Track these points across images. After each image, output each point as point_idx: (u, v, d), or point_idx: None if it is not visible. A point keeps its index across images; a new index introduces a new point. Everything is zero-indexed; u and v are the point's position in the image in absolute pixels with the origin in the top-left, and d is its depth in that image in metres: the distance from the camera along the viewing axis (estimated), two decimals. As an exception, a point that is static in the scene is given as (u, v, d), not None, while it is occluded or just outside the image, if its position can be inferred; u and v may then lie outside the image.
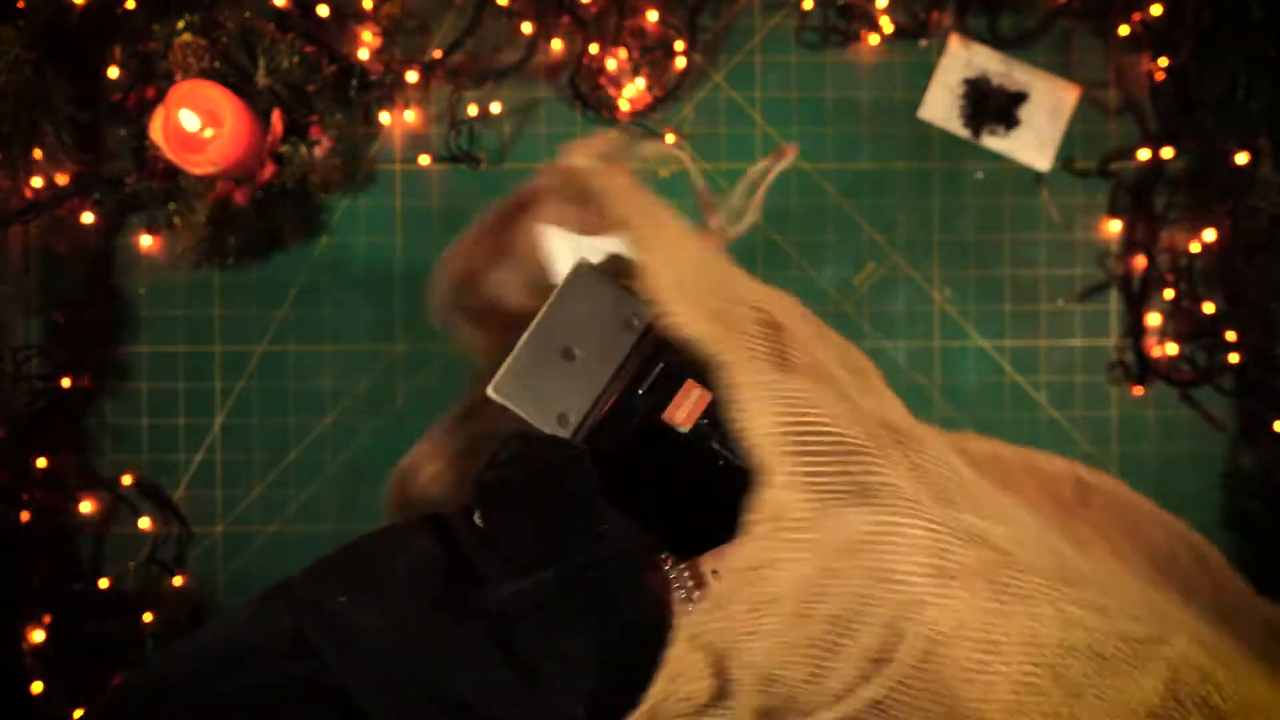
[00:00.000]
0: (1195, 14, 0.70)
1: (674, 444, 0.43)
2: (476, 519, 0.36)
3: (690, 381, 0.43)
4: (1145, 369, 0.74)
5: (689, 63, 0.73)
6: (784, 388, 0.37)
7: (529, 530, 0.34)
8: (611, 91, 0.73)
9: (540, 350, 0.44)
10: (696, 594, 0.35)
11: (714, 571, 0.36)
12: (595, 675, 0.32)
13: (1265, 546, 0.72)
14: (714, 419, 0.43)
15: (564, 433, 0.44)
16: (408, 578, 0.34)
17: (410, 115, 0.73)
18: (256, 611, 0.35)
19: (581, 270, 0.45)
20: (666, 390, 0.43)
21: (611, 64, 0.72)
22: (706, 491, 0.42)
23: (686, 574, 0.36)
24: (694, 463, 0.43)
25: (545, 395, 0.44)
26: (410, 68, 0.71)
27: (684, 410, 0.43)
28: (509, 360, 0.44)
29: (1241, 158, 0.71)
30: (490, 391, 0.44)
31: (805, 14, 0.74)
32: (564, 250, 0.48)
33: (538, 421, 0.44)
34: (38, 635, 0.68)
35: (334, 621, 0.33)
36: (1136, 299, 0.74)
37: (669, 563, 0.36)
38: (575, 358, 0.44)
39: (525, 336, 0.44)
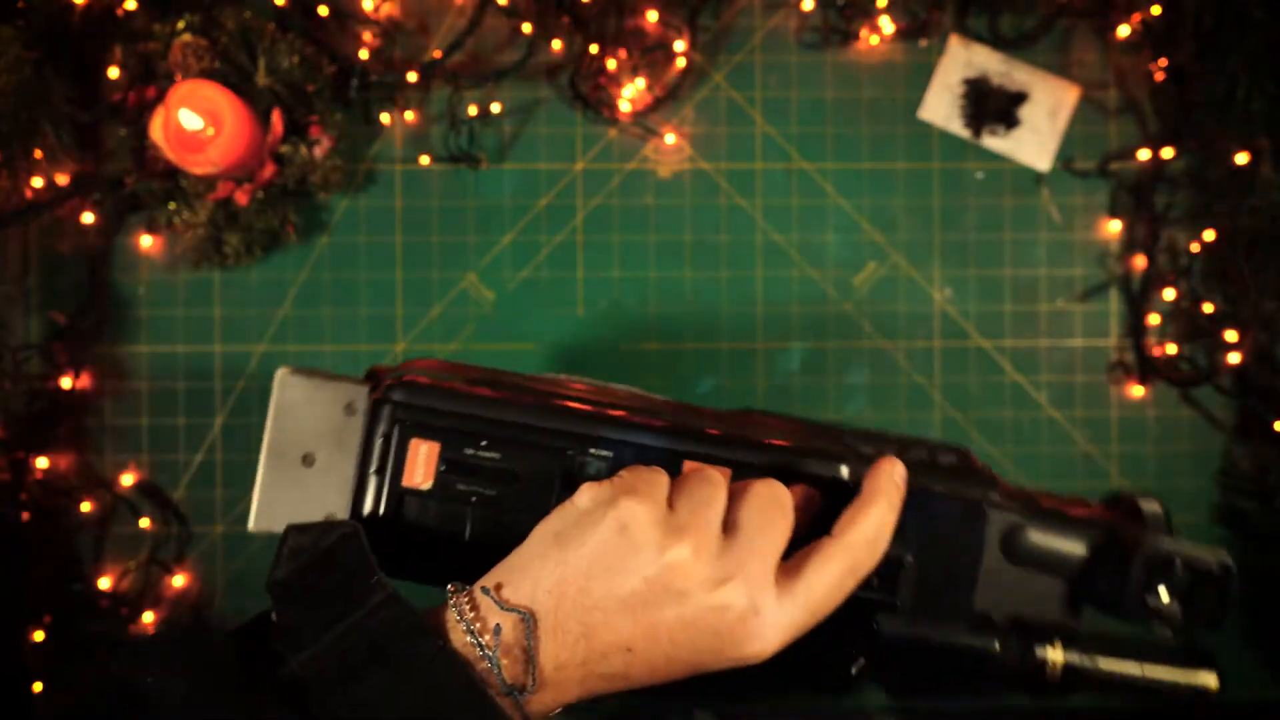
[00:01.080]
0: (1195, 14, 0.70)
1: (429, 501, 0.41)
2: (274, 617, 0.37)
3: (414, 440, 0.41)
4: (1145, 369, 0.74)
5: (689, 63, 0.73)
6: None
7: (313, 610, 0.35)
8: (611, 91, 0.73)
9: (279, 470, 0.42)
10: (470, 614, 0.35)
11: (482, 588, 0.36)
12: None
13: (1259, 544, 0.73)
14: (450, 462, 0.41)
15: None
16: (214, 660, 0.36)
17: (410, 115, 0.73)
18: (77, 682, 0.37)
19: (282, 378, 0.42)
20: (397, 459, 0.41)
21: (611, 64, 0.72)
22: (477, 529, 0.41)
23: (465, 601, 0.36)
24: (452, 510, 0.41)
25: (304, 509, 0.42)
26: (410, 68, 0.71)
27: (420, 470, 0.41)
28: (255, 495, 0.42)
29: (1241, 158, 0.71)
30: (252, 529, 0.42)
31: (805, 14, 0.74)
32: None
33: None
34: (38, 635, 0.68)
35: (137, 698, 0.34)
36: (1136, 299, 0.74)
37: (450, 590, 0.37)
38: (316, 462, 0.42)
39: (260, 466, 0.42)
